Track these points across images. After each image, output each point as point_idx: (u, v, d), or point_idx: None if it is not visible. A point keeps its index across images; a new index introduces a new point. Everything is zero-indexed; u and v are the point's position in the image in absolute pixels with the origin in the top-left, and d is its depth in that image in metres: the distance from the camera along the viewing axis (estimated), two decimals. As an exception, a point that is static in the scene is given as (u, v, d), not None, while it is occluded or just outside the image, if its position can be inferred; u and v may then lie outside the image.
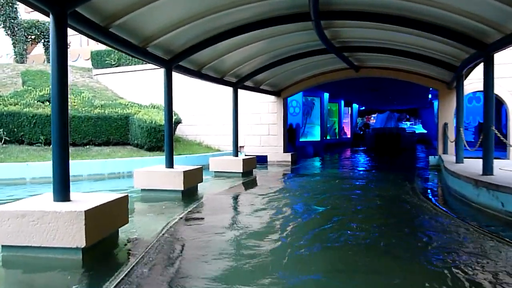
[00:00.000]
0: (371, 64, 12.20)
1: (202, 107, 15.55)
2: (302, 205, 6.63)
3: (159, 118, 12.91)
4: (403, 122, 37.67)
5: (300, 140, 20.25)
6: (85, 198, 4.24)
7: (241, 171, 10.22)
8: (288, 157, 13.85)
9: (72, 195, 4.24)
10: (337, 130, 26.31)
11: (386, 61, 11.62)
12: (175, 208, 6.41)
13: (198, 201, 6.86)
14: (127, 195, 4.54)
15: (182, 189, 7.04)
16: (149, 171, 7.22)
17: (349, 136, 29.79)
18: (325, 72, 13.09)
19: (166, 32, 6.31)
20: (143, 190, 7.34)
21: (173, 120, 14.17)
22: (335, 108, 26.00)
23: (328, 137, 24.06)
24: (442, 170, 10.25)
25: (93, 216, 3.78)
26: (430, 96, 24.92)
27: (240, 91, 14.10)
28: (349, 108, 30.07)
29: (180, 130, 15.88)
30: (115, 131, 12.61)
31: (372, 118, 40.20)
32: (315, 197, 7.29)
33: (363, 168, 12.90)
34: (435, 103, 30.32)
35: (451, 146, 11.76)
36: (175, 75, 16.25)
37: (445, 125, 11.78)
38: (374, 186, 8.90)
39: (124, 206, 4.48)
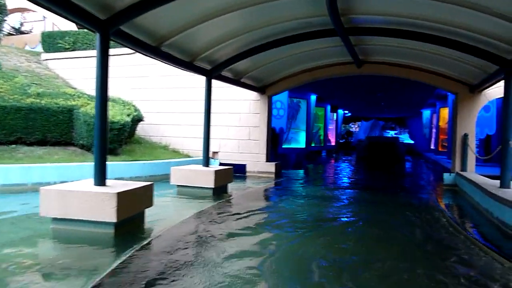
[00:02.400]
0: (377, 58, 9.96)
1: (170, 103, 12.94)
2: (306, 262, 4.18)
3: (114, 113, 10.27)
4: (387, 131, 35.94)
5: (283, 146, 17.88)
6: None
7: (213, 186, 7.72)
8: (271, 167, 11.42)
9: None
10: (322, 137, 24.11)
11: (397, 55, 9.41)
12: (96, 260, 3.85)
13: (138, 244, 4.29)
14: None
15: (115, 221, 4.47)
16: (63, 191, 4.59)
17: (333, 143, 27.68)
18: (321, 66, 10.75)
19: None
20: (54, 220, 4.71)
21: (132, 117, 11.53)
22: (321, 113, 23.81)
23: (312, 144, 21.81)
24: (469, 193, 8.06)
25: None
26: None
27: (215, 85, 11.54)
28: (335, 113, 27.99)
29: (143, 130, 13.22)
30: (54, 127, 9.85)
31: (357, 125, 38.42)
32: (319, 239, 4.88)
33: (364, 186, 10.58)
34: (424, 113, 28.65)
35: (471, 162, 9.65)
36: (138, 61, 13.54)
37: (465, 136, 9.63)
38: (390, 215, 6.56)
39: None
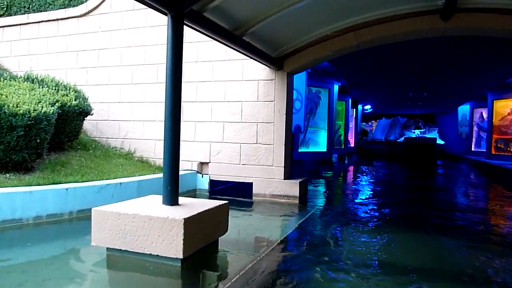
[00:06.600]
0: (484, 1, 5.59)
1: (138, 88, 8.59)
2: None
3: (28, 100, 5.95)
4: (411, 131, 31.32)
5: (299, 150, 13.51)
6: None
7: (181, 256, 3.36)
8: (293, 188, 7.05)
9: None
10: (342, 137, 19.72)
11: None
12: None
13: None
14: None
15: None
16: None
17: (352, 145, 23.22)
18: (375, 21, 6.34)
19: None
20: None
21: (62, 106, 6.78)
22: (341, 108, 19.42)
23: (335, 147, 17.45)
24: None
25: None
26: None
27: (201, 57, 7.14)
28: (354, 109, 23.56)
29: (97, 130, 8.90)
30: None
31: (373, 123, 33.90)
32: None
33: (457, 223, 6.17)
34: (461, 109, 24.07)
35: None
36: (91, 26, 9.42)
37: None
38: None
39: None
